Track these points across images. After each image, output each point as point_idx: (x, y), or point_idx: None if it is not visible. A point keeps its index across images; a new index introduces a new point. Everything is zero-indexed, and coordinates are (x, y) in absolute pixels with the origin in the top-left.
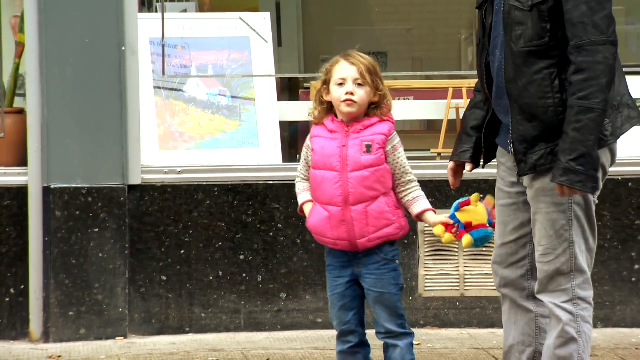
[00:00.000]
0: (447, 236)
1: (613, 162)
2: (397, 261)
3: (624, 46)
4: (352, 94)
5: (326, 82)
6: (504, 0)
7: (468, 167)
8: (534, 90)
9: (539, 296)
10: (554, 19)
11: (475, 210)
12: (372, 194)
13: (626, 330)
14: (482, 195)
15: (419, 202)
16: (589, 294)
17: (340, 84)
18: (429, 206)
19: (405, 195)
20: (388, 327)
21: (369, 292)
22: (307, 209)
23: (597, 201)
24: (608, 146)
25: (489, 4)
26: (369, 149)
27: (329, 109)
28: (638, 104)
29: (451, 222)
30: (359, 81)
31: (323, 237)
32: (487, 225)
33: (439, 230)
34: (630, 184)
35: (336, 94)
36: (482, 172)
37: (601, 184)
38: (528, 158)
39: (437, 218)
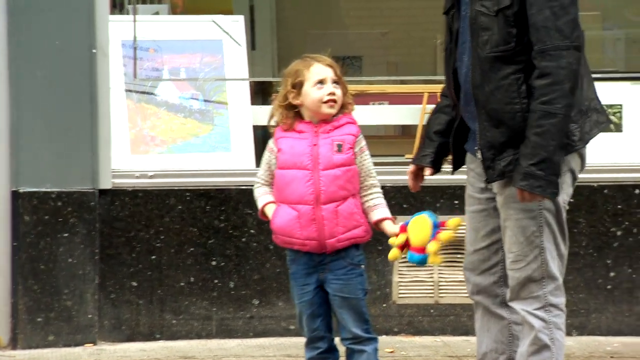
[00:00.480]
0: (393, 253)
1: (583, 167)
2: (363, 266)
3: (600, 52)
4: (334, 94)
5: (295, 86)
6: (470, 6)
7: (427, 171)
8: (501, 95)
9: (511, 303)
10: (520, 23)
11: (421, 229)
12: (342, 194)
13: (601, 339)
14: (464, 223)
15: (379, 209)
16: (561, 300)
17: (320, 86)
18: (389, 214)
19: (367, 200)
20: (355, 332)
21: (334, 297)
22: (270, 210)
23: (567, 207)
24: (577, 151)
25: (455, 10)
26: (340, 148)
27: (295, 115)
28: (610, 110)
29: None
30: (336, 81)
31: (290, 238)
32: (424, 248)
33: (393, 242)
34: (605, 191)
35: (316, 95)
36: (455, 178)
37: (571, 190)
38: (496, 164)
39: (394, 228)
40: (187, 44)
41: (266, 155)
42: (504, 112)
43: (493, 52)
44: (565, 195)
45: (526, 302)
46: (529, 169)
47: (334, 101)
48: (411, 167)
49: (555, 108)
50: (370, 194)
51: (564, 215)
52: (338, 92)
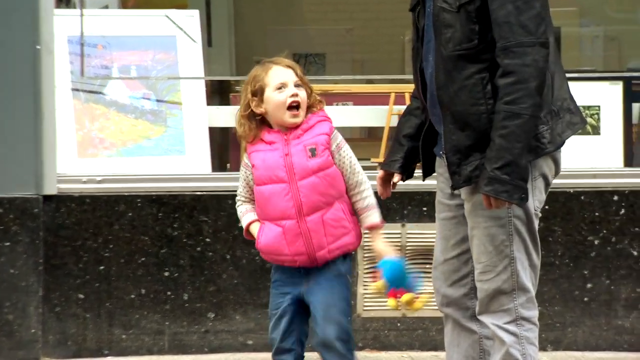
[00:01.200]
0: (390, 303)
1: (557, 172)
2: (349, 276)
3: (577, 50)
4: (296, 95)
5: (255, 93)
6: (434, 2)
7: (396, 177)
8: (466, 96)
9: (480, 317)
10: (482, 19)
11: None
12: (326, 200)
13: (577, 354)
14: (416, 296)
15: (370, 213)
16: (534, 313)
17: (280, 89)
18: (379, 220)
19: (357, 201)
20: (336, 346)
21: (316, 307)
22: (255, 229)
23: (540, 214)
24: (549, 154)
25: (421, 6)
26: (313, 152)
27: (260, 122)
28: (588, 112)
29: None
30: (298, 83)
31: (279, 256)
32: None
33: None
34: (582, 197)
35: (278, 99)
36: (423, 184)
37: (544, 196)
38: (462, 169)
39: (384, 248)
40: (139, 40)
41: (242, 172)
42: (469, 113)
43: (456, 50)
44: (536, 202)
45: (496, 315)
46: (493, 173)
47: (298, 105)
48: (380, 173)
49: (520, 108)
50: (358, 193)
51: (536, 223)
52: (302, 93)
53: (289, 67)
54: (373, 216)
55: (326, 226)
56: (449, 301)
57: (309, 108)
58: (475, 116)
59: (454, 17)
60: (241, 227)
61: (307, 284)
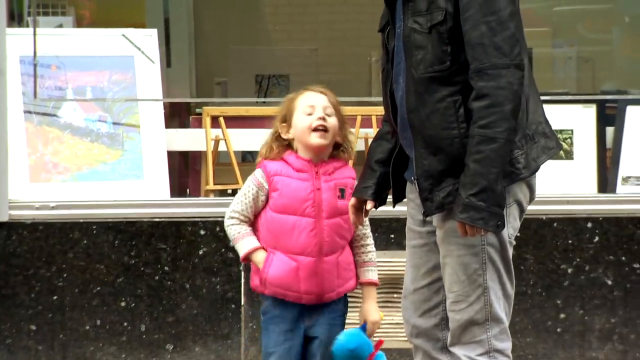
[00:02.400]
0: None
1: (532, 198)
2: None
3: (550, 71)
4: (324, 119)
5: (285, 119)
6: (404, 22)
7: (369, 204)
8: (437, 120)
9: (452, 349)
10: (455, 40)
11: None
12: (342, 243)
13: None
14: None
15: (371, 268)
16: (507, 345)
17: (309, 114)
18: (375, 278)
19: (361, 253)
20: None
21: (322, 343)
22: (261, 257)
23: (514, 242)
24: (523, 180)
25: (390, 27)
26: (342, 193)
27: (286, 146)
28: (561, 136)
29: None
30: (328, 110)
31: (286, 291)
32: None
33: None
34: (555, 224)
35: (305, 122)
36: (392, 211)
37: (518, 223)
38: (434, 195)
39: (375, 313)
40: (94, 60)
41: (252, 191)
42: (441, 137)
43: (428, 72)
44: (511, 229)
45: (469, 347)
46: (468, 199)
47: (325, 129)
48: (352, 201)
49: (495, 132)
50: (363, 245)
51: (510, 251)
52: (331, 120)
53: (321, 92)
54: (374, 273)
55: (340, 268)
56: (418, 332)
57: (339, 151)
58: (448, 140)
59: (425, 38)
60: (202, 254)
61: (310, 320)
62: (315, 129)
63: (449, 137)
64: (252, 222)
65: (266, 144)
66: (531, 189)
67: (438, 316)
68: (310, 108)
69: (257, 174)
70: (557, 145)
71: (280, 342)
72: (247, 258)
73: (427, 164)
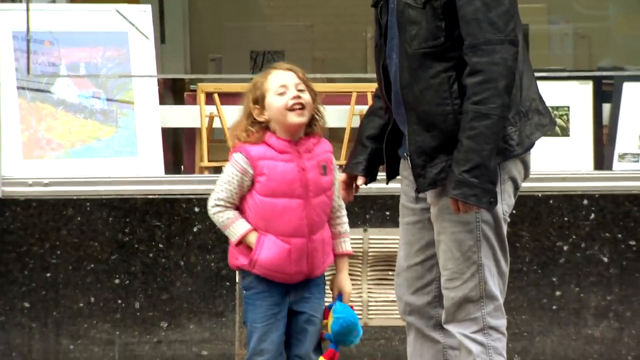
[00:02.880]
0: None
1: (527, 175)
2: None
3: (545, 48)
4: (299, 97)
5: (257, 100)
6: None
7: (360, 180)
8: (431, 96)
9: (447, 326)
10: (449, 16)
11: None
12: (325, 219)
13: None
14: None
15: (346, 239)
16: (502, 322)
17: (282, 93)
18: (350, 249)
19: (336, 225)
20: (312, 357)
21: (310, 317)
22: (254, 238)
23: (508, 219)
24: (518, 157)
25: (384, 2)
26: (325, 170)
27: (264, 129)
28: (557, 113)
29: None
30: (300, 86)
31: (278, 273)
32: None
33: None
34: (551, 201)
35: (280, 102)
36: (387, 188)
37: (512, 200)
38: (427, 172)
39: (347, 283)
40: (88, 36)
41: (236, 177)
42: (435, 114)
43: (421, 48)
44: (505, 206)
45: (463, 324)
46: (461, 176)
47: (302, 107)
48: (342, 176)
49: (489, 108)
50: (339, 217)
51: (505, 228)
52: (305, 96)
53: (289, 70)
54: (348, 243)
55: (325, 245)
56: (411, 309)
57: (312, 124)
58: (442, 116)
59: (419, 14)
60: (196, 231)
61: (296, 295)
62: (291, 109)
63: (443, 113)
64: (237, 206)
65: (240, 128)
66: (526, 166)
67: (431, 294)
68: (283, 88)
69: (239, 160)
70: (550, 122)
71: (267, 318)
72: (240, 242)
73: (421, 140)
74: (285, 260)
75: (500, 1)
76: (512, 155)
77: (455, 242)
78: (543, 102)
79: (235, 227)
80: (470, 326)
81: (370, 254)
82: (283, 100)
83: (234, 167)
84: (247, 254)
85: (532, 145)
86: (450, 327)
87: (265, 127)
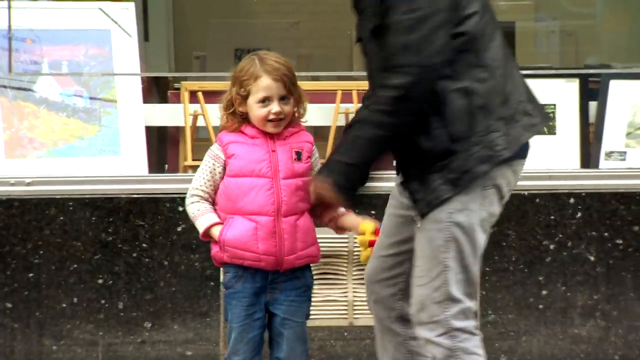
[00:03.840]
0: (368, 252)
1: (514, 182)
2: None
3: (532, 45)
4: (279, 113)
5: (239, 93)
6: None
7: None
8: None
9: (415, 329)
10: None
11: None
12: (302, 207)
13: None
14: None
15: (341, 211)
16: (468, 323)
17: (265, 104)
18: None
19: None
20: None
21: (283, 320)
22: (217, 231)
23: (488, 228)
24: (507, 164)
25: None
26: (299, 156)
27: (243, 118)
28: (547, 110)
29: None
30: (285, 97)
31: (245, 252)
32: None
33: (364, 238)
34: (537, 200)
35: (259, 112)
36: (372, 187)
37: (495, 208)
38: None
39: (359, 219)
40: (70, 34)
41: (209, 164)
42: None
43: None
44: (484, 213)
45: (427, 327)
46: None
47: (280, 119)
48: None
49: (380, 123)
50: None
51: (481, 234)
52: (287, 108)
53: (277, 80)
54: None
55: (298, 231)
56: (376, 298)
57: (294, 118)
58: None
59: (371, 46)
60: (181, 230)
61: (272, 294)
62: (270, 120)
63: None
64: (213, 199)
65: (224, 116)
66: (515, 175)
67: (396, 287)
68: (267, 99)
69: (213, 148)
70: (542, 120)
71: (242, 318)
72: (206, 235)
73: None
74: (251, 237)
75: (419, 27)
76: (500, 160)
77: (427, 238)
78: (533, 102)
79: (203, 219)
80: (434, 329)
81: (355, 253)
82: (263, 111)
83: (208, 155)
84: (219, 237)
85: (521, 146)
86: (417, 331)
87: (244, 118)
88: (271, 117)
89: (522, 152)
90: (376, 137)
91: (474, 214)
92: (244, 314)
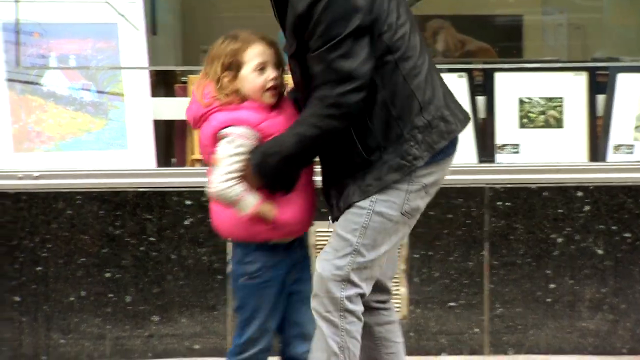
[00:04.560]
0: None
1: (442, 177)
2: None
3: (540, 39)
4: (276, 78)
5: (229, 67)
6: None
7: None
8: None
9: (311, 301)
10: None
11: None
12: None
13: (540, 357)
14: None
15: None
16: (360, 308)
17: (261, 70)
18: None
19: None
20: (310, 331)
21: (305, 297)
22: (268, 205)
23: (409, 219)
24: (431, 165)
25: None
26: None
27: (238, 97)
28: (551, 104)
29: None
30: (278, 64)
31: (298, 225)
32: None
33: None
34: (545, 193)
35: (257, 81)
36: None
37: (418, 202)
38: None
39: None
40: (78, 28)
41: (245, 145)
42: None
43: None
44: (407, 207)
45: (322, 302)
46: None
47: (276, 88)
48: None
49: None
50: None
51: (399, 227)
52: (280, 77)
53: (271, 45)
54: None
55: (312, 196)
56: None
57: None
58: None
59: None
60: (188, 224)
61: (294, 273)
62: (268, 89)
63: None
64: None
65: (218, 94)
66: (443, 170)
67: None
68: (263, 65)
69: (240, 130)
70: (459, 126)
71: (270, 307)
72: (258, 213)
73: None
74: (305, 213)
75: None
76: (411, 170)
77: (345, 220)
78: (451, 105)
79: (248, 199)
80: (327, 305)
81: None
82: (261, 79)
83: (240, 139)
84: (260, 222)
85: (439, 151)
86: (312, 302)
87: (234, 93)
88: (270, 84)
89: (448, 150)
90: (307, 136)
91: (395, 207)
92: (273, 301)
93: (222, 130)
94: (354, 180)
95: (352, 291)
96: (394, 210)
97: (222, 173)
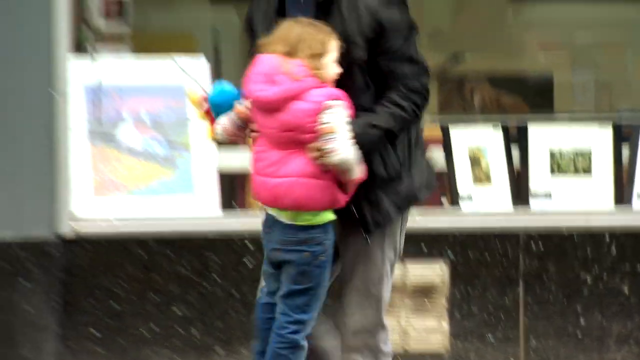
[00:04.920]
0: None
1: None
2: None
3: (569, 94)
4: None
5: (314, 55)
6: None
7: None
8: None
9: (345, 354)
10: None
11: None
12: None
13: None
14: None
15: None
16: (390, 349)
17: (336, 63)
18: None
19: None
20: None
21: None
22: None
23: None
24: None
25: None
26: None
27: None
28: (579, 155)
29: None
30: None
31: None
32: None
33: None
34: (575, 237)
35: (334, 72)
36: (421, 222)
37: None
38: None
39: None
40: (149, 89)
41: (349, 115)
42: None
43: None
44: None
45: (360, 351)
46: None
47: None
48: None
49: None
50: None
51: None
52: None
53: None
54: None
55: None
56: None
57: None
58: None
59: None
60: (251, 267)
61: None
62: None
63: None
64: None
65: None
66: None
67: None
68: (336, 58)
69: (344, 104)
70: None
71: (327, 278)
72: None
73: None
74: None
75: None
76: (433, 187)
77: (364, 270)
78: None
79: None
80: (367, 355)
81: (408, 284)
82: (335, 71)
83: (346, 110)
84: (342, 189)
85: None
86: (350, 355)
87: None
88: (336, 78)
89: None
90: (402, 116)
91: (396, 247)
92: (329, 272)
93: (330, 102)
94: (388, 195)
95: (384, 334)
96: (397, 250)
97: (346, 138)
